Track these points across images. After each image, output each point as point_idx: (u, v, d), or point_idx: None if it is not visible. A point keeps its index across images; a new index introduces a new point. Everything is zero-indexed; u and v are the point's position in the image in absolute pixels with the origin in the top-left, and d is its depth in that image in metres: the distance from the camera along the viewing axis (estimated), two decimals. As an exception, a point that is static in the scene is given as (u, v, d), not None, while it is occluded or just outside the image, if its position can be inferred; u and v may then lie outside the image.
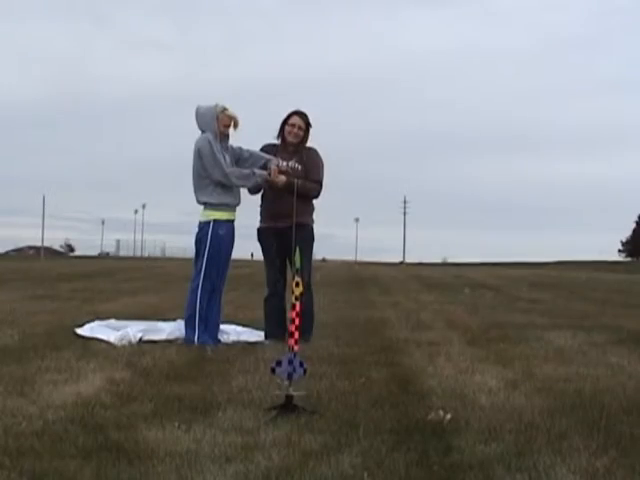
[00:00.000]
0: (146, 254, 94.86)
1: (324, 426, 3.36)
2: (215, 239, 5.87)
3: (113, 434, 3.19)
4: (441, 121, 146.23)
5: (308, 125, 6.18)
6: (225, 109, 5.90)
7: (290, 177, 5.97)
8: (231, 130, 5.97)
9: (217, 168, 5.78)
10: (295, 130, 6.12)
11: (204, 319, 5.84)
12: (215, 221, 5.88)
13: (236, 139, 6.11)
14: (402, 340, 6.34)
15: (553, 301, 12.93)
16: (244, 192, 6.14)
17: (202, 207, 5.99)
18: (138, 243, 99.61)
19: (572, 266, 55.97)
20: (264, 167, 5.99)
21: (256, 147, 6.27)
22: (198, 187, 5.94)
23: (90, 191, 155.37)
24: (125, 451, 2.96)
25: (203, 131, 5.90)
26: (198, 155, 5.85)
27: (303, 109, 6.19)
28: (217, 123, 5.85)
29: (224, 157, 5.85)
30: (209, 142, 5.78)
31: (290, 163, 6.11)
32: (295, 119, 6.15)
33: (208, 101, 6.00)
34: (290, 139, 6.15)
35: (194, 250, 6.11)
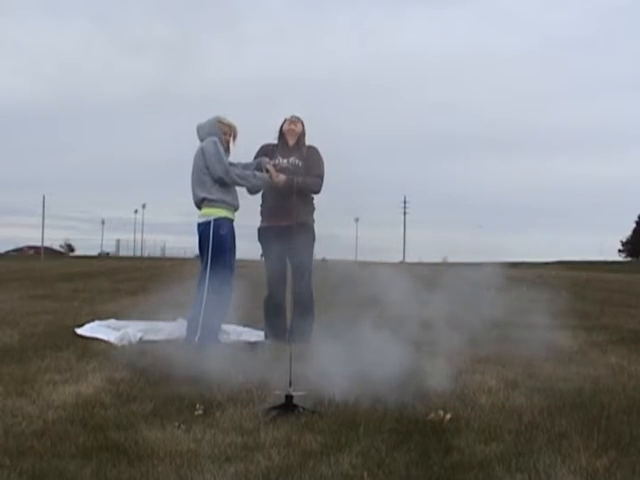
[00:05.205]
0: (146, 254, 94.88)
1: (324, 426, 3.36)
2: (217, 240, 5.84)
3: (113, 434, 3.19)
4: (441, 121, 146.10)
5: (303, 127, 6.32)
6: (222, 118, 6.02)
7: (289, 175, 5.99)
8: (231, 144, 6.08)
9: (219, 164, 5.82)
10: (292, 127, 6.23)
11: (208, 321, 5.82)
12: (215, 220, 5.86)
13: (236, 144, 6.18)
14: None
15: (553, 301, 12.91)
16: (243, 193, 6.14)
17: (200, 208, 5.98)
18: (138, 243, 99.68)
19: (572, 266, 55.95)
20: (259, 169, 6.04)
21: (255, 147, 6.33)
22: (197, 183, 5.93)
23: (90, 191, 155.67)
24: (125, 451, 2.96)
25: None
26: (201, 154, 5.90)
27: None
28: (218, 129, 5.96)
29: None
30: (214, 142, 5.87)
31: (290, 160, 6.15)
32: (292, 119, 6.30)
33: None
34: (289, 136, 6.23)
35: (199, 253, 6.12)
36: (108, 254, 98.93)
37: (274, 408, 3.59)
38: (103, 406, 3.70)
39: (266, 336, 6.18)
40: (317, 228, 6.26)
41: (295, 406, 3.60)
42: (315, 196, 6.25)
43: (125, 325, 6.52)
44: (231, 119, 6.08)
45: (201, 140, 6.02)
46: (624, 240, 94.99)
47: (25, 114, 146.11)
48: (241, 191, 6.08)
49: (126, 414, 3.54)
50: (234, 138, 6.10)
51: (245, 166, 6.09)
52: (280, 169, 6.05)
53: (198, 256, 6.31)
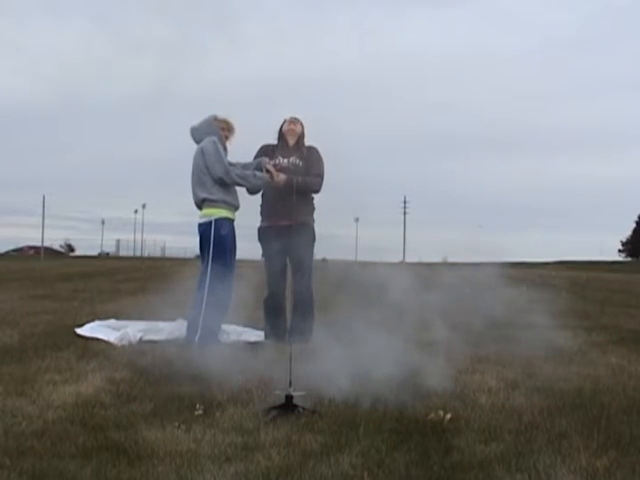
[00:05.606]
0: (146, 254, 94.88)
1: (324, 426, 3.36)
2: (218, 240, 5.84)
3: (113, 434, 3.19)
4: (441, 121, 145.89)
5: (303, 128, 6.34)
6: (218, 116, 6.03)
7: (290, 174, 6.00)
8: (229, 140, 6.07)
9: (219, 164, 5.82)
10: (292, 127, 6.26)
11: (208, 321, 5.81)
12: (216, 220, 5.86)
13: (235, 142, 6.19)
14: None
15: (553, 301, 12.91)
16: (243, 193, 6.14)
17: (201, 208, 5.98)
18: (138, 243, 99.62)
19: (572, 266, 55.93)
20: (259, 169, 6.04)
21: (255, 147, 6.33)
22: (198, 183, 5.93)
23: (90, 191, 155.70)
24: (125, 451, 2.96)
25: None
26: (201, 153, 5.90)
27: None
28: (216, 128, 5.96)
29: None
30: (214, 142, 5.87)
31: (291, 159, 6.16)
32: (291, 120, 6.31)
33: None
34: (289, 136, 6.25)
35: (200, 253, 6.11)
36: (108, 254, 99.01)
37: (274, 408, 3.59)
38: (103, 406, 3.70)
39: (266, 336, 6.18)
40: (317, 228, 6.26)
41: (295, 406, 3.59)
42: (315, 196, 6.26)
43: (125, 325, 6.52)
44: (224, 116, 6.10)
45: (196, 142, 6.01)
46: (624, 240, 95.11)
47: (25, 114, 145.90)
48: (241, 191, 6.09)
49: (126, 414, 3.54)
50: (231, 133, 6.10)
51: (245, 166, 6.09)
52: (280, 169, 6.06)
53: (198, 256, 6.31)
